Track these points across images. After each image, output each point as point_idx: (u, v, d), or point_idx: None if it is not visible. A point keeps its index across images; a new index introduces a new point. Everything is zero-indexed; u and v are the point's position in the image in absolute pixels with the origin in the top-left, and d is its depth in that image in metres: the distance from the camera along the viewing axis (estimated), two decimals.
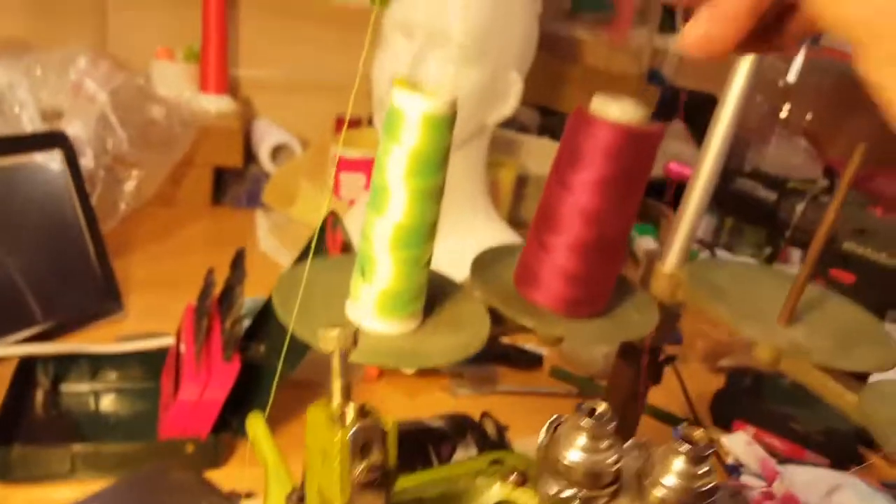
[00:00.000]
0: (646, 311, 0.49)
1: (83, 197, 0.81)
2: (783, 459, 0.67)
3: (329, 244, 0.65)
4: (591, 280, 0.47)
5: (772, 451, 0.67)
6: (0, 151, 0.77)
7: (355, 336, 0.27)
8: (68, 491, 0.53)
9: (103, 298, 0.78)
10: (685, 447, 0.27)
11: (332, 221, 0.65)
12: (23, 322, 0.71)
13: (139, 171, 0.95)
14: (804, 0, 0.19)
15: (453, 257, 0.92)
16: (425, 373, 0.76)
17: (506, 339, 0.82)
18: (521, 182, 1.12)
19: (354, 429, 0.23)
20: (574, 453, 0.27)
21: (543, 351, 0.81)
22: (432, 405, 0.73)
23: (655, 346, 0.56)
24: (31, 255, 0.76)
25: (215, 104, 1.07)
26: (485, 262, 0.53)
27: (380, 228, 0.42)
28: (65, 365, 0.65)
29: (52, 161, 0.80)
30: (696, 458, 0.27)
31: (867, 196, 0.63)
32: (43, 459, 0.54)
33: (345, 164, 1.04)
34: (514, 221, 1.11)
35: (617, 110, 0.43)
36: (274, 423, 0.64)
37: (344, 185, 1.05)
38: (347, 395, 0.26)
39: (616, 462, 0.28)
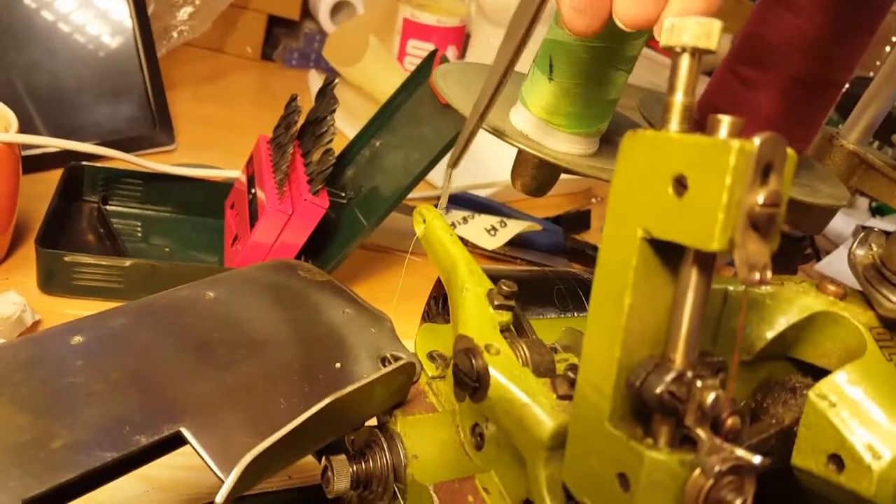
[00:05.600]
0: (832, 184, 0.42)
1: (141, 12, 0.72)
2: None
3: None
4: (794, 126, 0.39)
5: None
6: None
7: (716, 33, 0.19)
8: None
9: (154, 126, 0.70)
10: None
11: (440, 56, 0.57)
12: (70, 133, 0.63)
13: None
14: None
15: None
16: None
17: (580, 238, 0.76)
18: None
19: (762, 139, 0.16)
20: None
21: None
22: None
23: (807, 236, 0.50)
24: (83, 66, 0.67)
25: None
26: (650, 103, 0.46)
27: None
28: (114, 182, 0.58)
29: None
30: None
31: None
32: (95, 271, 0.47)
33: (413, 30, 0.95)
34: None
35: None
36: (343, 278, 0.57)
37: (410, 56, 0.95)
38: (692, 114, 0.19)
39: None
